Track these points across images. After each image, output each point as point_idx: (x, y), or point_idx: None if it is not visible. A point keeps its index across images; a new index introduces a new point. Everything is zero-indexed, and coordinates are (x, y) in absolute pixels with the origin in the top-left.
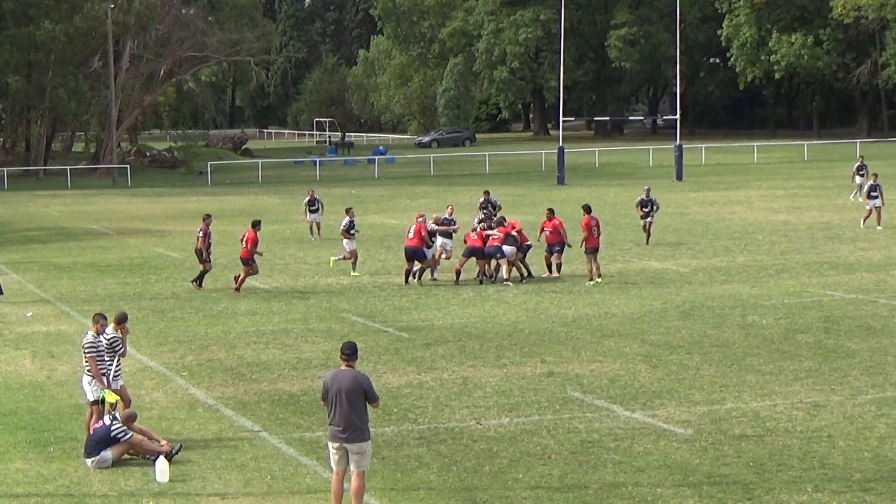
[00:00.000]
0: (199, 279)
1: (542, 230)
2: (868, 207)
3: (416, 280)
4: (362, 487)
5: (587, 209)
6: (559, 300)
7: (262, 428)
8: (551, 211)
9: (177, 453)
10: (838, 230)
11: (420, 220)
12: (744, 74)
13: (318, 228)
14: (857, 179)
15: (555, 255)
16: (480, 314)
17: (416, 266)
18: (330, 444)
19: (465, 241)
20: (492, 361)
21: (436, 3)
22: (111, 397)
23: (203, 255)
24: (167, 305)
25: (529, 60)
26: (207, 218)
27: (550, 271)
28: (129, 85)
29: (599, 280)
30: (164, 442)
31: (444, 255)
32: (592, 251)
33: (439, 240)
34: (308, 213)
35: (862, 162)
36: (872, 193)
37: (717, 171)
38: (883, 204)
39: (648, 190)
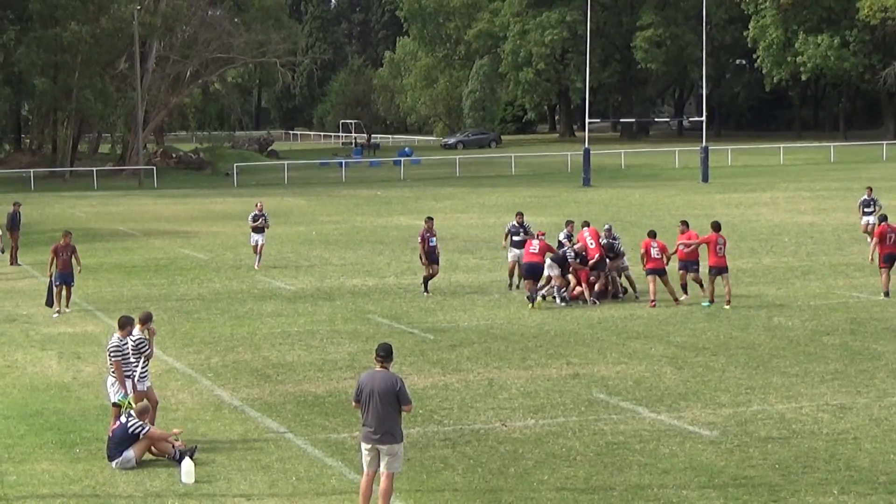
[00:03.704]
0: (425, 284)
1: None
2: (863, 223)
3: (542, 300)
4: (391, 489)
5: (716, 226)
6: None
7: (288, 429)
8: (685, 223)
9: (193, 454)
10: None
11: (542, 237)
12: (770, 76)
13: (261, 253)
14: (865, 219)
15: (691, 273)
16: (506, 316)
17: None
18: (362, 446)
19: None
20: (517, 363)
21: (462, 5)
22: (135, 406)
23: (423, 258)
24: (193, 306)
25: (555, 62)
26: (429, 220)
27: (686, 292)
28: (156, 86)
29: (727, 307)
30: (177, 443)
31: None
32: (717, 271)
33: (511, 251)
34: (252, 233)
35: (869, 196)
36: (866, 209)
37: (743, 172)
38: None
39: (570, 225)
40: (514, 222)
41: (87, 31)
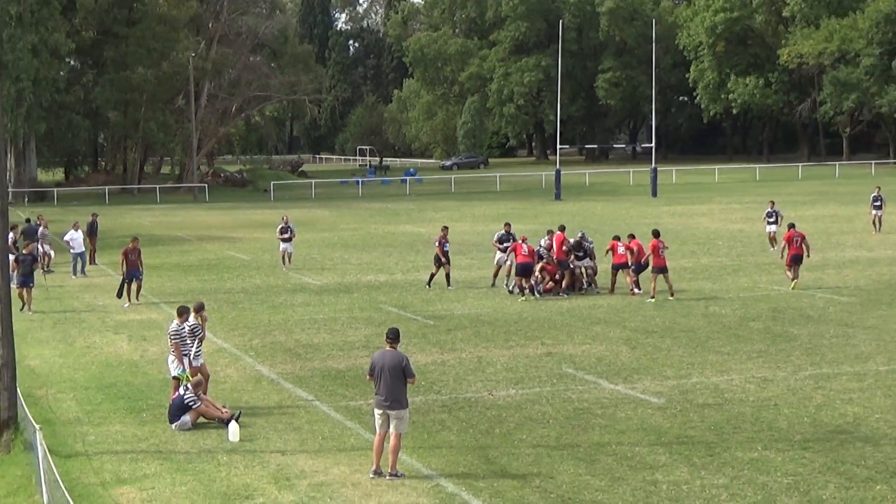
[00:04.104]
0: (430, 280)
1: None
2: (768, 231)
3: (532, 295)
4: (398, 446)
5: (656, 233)
6: (564, 295)
7: (315, 398)
8: (632, 235)
9: (237, 418)
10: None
11: (525, 241)
12: (707, 110)
13: (290, 259)
14: (769, 228)
15: (634, 274)
16: (492, 305)
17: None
18: (375, 411)
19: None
20: (501, 344)
21: (456, 52)
22: (191, 379)
23: (441, 259)
24: (238, 298)
25: (532, 99)
26: (445, 229)
27: (639, 287)
28: (207, 119)
29: (671, 297)
30: (224, 410)
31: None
32: (659, 269)
33: (497, 255)
34: (280, 242)
35: (772, 208)
36: (770, 219)
37: (685, 188)
38: (778, 226)
39: (551, 234)
40: (503, 231)
41: (151, 74)
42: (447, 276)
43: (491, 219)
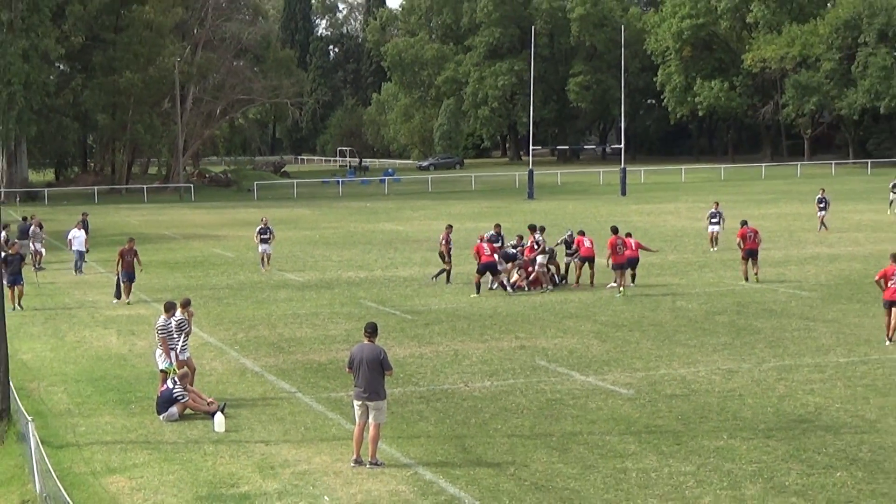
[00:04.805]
0: (438, 274)
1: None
2: (710, 231)
3: (504, 290)
4: (378, 436)
5: (614, 230)
6: (528, 290)
7: (298, 390)
8: (623, 230)
9: (223, 410)
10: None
11: (485, 241)
12: (674, 112)
13: (268, 260)
14: (711, 228)
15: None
16: (468, 301)
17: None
18: (354, 402)
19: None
20: (477, 337)
21: (433, 57)
22: (178, 372)
23: (445, 257)
24: (223, 294)
25: (506, 101)
26: (449, 227)
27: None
28: (192, 121)
29: (623, 290)
30: (211, 401)
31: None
32: (619, 266)
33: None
34: (259, 244)
35: (716, 209)
36: (713, 220)
37: (653, 188)
38: (723, 229)
39: (519, 237)
40: (493, 232)
41: (138, 78)
42: (447, 273)
43: (466, 217)
